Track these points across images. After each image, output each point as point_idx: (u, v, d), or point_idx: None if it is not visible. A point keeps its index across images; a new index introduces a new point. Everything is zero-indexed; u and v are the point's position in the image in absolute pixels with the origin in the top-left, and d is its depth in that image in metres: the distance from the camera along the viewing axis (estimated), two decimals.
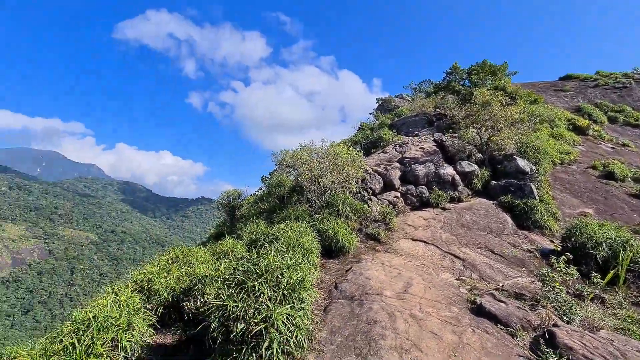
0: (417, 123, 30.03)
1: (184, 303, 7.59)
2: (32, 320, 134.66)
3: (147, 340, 6.25)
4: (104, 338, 5.08)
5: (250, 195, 26.13)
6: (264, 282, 5.14)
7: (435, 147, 22.07)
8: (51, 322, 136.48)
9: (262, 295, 4.86)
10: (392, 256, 11.45)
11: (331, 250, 11.37)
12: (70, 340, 4.91)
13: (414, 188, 17.77)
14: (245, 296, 4.89)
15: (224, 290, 5.02)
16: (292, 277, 5.41)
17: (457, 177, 18.00)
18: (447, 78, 31.03)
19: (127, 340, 5.41)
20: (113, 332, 5.26)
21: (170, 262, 12.90)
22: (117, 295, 8.72)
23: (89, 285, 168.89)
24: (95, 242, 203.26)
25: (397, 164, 19.86)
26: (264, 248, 8.75)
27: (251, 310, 4.71)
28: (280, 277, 5.27)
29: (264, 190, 25.11)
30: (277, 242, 9.29)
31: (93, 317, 5.34)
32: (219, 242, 15.08)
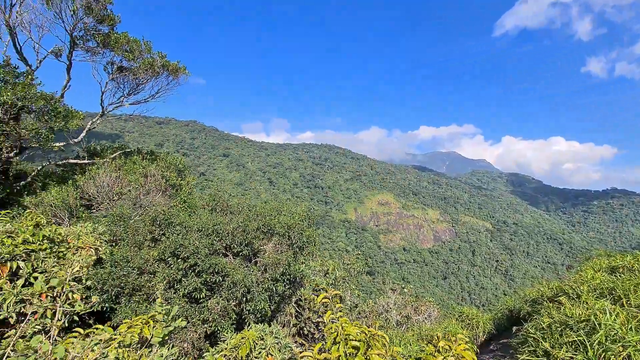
0: None
1: None
2: (448, 285, 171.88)
3: None
4: (617, 351, 4.63)
5: None
6: None
7: None
8: (460, 291, 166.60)
9: None
10: None
11: None
12: (578, 338, 4.93)
13: None
14: None
15: None
16: None
17: None
18: None
19: None
20: (626, 348, 4.66)
21: (626, 270, 10.49)
22: (579, 298, 8.10)
23: (487, 269, 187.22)
24: (490, 231, 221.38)
25: None
26: None
27: None
28: None
29: None
30: None
31: (595, 321, 5.07)
32: None
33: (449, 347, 2.61)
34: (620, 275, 9.42)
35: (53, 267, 6.83)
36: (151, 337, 4.08)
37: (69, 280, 6.63)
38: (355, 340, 3.65)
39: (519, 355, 5.40)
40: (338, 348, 3.54)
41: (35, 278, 6.39)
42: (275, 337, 7.32)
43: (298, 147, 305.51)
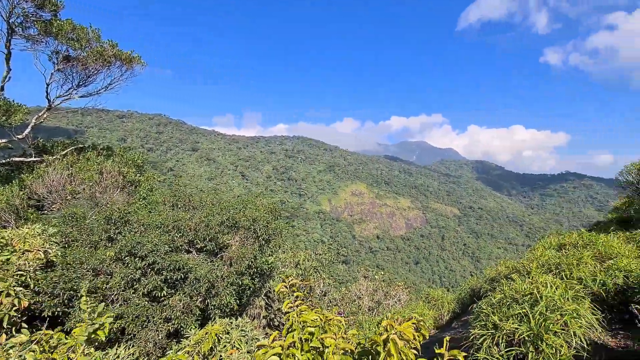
0: None
1: (633, 307, 6.09)
2: (420, 270, 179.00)
3: (592, 336, 5.60)
4: (555, 319, 5.06)
5: None
6: None
7: None
8: (432, 275, 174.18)
9: None
10: None
11: None
12: (521, 310, 5.33)
13: None
14: None
15: None
16: None
17: None
18: None
19: (577, 328, 5.08)
20: (563, 316, 5.11)
21: (570, 247, 11.43)
22: (528, 275, 8.71)
23: (455, 252, 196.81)
24: (458, 216, 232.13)
25: None
26: None
27: None
28: None
29: None
30: None
31: (538, 294, 5.51)
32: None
33: (391, 325, 2.73)
34: (565, 252, 10.26)
35: None
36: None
37: (14, 286, 6.20)
38: (312, 326, 3.69)
39: (472, 330, 5.76)
40: (293, 335, 3.58)
41: None
42: (242, 330, 7.29)
43: (270, 140, 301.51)
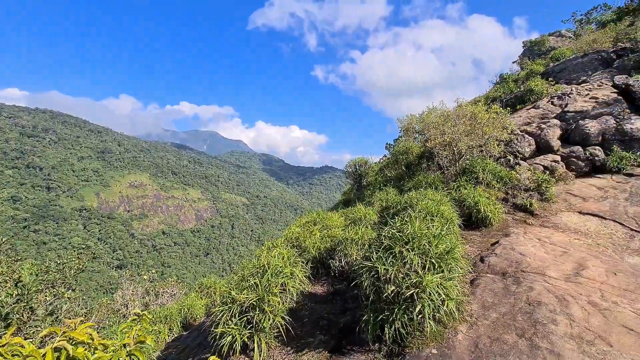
0: (584, 66, 23.27)
1: (330, 261, 8.50)
2: (210, 261, 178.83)
3: (304, 289, 7.37)
4: (276, 282, 6.26)
5: (375, 163, 26.35)
6: (411, 249, 5.17)
7: (615, 95, 16.83)
8: (222, 264, 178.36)
9: (410, 262, 4.92)
10: (551, 231, 9.70)
11: (471, 221, 10.47)
12: (254, 281, 6.24)
13: (580, 150, 14.25)
14: (393, 260, 5.05)
15: (373, 254, 5.31)
16: (440, 246, 5.26)
17: None
18: None
19: (292, 286, 6.53)
20: (282, 278, 6.41)
21: (310, 224, 14.50)
22: (275, 249, 10.32)
23: (244, 238, 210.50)
24: (246, 204, 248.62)
25: (556, 121, 16.15)
26: (399, 216, 8.75)
27: (401, 275, 4.85)
28: (427, 245, 5.19)
29: (389, 158, 24.89)
30: (412, 210, 9.09)
31: (267, 264, 6.62)
32: (350, 208, 16.01)
33: (56, 332, 2.38)
34: (305, 228, 12.98)
35: None
36: None
37: None
38: None
39: (212, 309, 6.20)
40: None
41: None
42: None
43: None
